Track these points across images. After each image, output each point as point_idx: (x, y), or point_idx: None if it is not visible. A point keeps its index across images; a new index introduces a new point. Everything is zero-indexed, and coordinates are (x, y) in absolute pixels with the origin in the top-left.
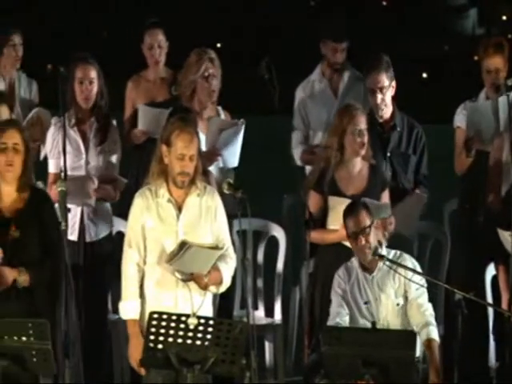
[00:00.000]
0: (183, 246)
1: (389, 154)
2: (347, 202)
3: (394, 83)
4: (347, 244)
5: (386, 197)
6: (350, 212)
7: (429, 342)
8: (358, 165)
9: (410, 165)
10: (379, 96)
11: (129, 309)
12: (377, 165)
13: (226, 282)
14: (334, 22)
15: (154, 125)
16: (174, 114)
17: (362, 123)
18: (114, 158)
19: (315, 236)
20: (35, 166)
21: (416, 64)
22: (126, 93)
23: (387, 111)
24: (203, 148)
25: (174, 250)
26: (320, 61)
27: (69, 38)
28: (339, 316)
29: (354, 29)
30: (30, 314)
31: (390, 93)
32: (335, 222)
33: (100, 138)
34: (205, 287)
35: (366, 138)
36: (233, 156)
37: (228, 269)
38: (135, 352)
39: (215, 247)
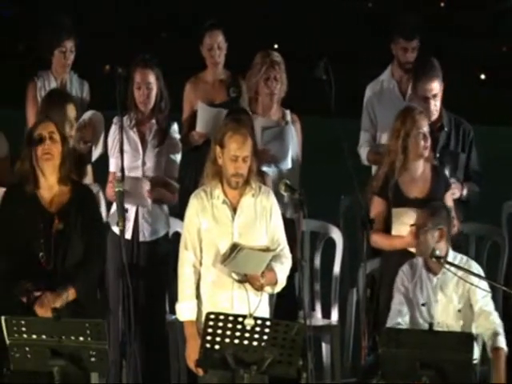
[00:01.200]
0: (234, 248)
1: (438, 155)
2: (411, 212)
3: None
4: (413, 250)
5: (449, 198)
6: (429, 208)
7: (496, 351)
8: (421, 167)
9: (460, 163)
10: (432, 102)
11: (185, 310)
12: (439, 166)
13: (281, 282)
14: (405, 20)
15: (212, 125)
16: (231, 115)
17: (425, 126)
18: (174, 160)
19: (380, 240)
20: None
21: (473, 65)
22: (185, 94)
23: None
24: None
25: (225, 252)
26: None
27: (128, 38)
28: (400, 315)
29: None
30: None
31: (440, 97)
32: (399, 232)
33: (158, 139)
34: (260, 288)
35: (429, 141)
36: (284, 157)
37: (283, 269)
38: (192, 353)
39: (266, 249)
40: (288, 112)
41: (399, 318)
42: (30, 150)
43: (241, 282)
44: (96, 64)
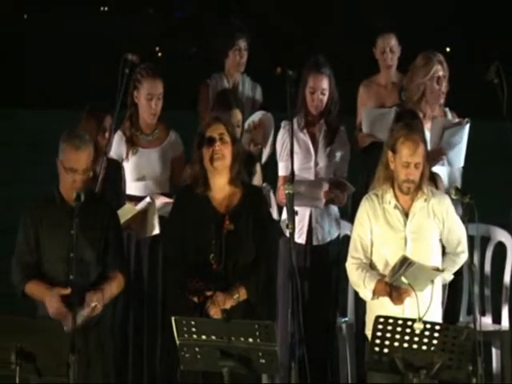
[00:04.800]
0: (404, 262)
1: None
2: None
3: None
4: None
5: None
6: None
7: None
8: None
9: None
10: None
11: (368, 286)
12: None
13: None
14: None
15: (378, 126)
16: (400, 117)
17: None
18: (343, 160)
19: None
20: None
21: None
22: (358, 97)
23: None
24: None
25: (395, 266)
26: None
27: (300, 40)
28: None
29: None
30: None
31: None
32: None
33: (329, 139)
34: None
35: None
36: (458, 156)
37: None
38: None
39: (437, 269)
40: (447, 110)
41: None
42: (200, 152)
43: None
44: (268, 67)
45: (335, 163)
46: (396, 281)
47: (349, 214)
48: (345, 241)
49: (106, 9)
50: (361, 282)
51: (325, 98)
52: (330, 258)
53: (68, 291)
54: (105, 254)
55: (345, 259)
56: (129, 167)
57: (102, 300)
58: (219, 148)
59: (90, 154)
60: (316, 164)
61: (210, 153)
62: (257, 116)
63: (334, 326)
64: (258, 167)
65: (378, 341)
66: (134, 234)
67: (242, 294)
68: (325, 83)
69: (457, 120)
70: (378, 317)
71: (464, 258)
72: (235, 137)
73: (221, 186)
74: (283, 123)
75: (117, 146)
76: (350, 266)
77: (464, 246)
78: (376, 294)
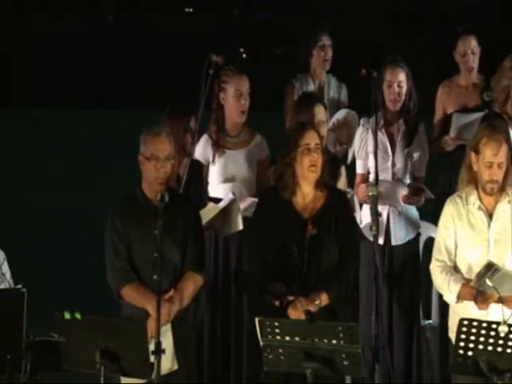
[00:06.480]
0: (490, 268)
1: None
2: None
3: None
4: None
5: None
6: None
7: None
8: None
9: None
10: None
11: (453, 289)
12: None
13: None
14: None
15: (467, 131)
16: (486, 120)
17: None
18: (421, 161)
19: None
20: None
21: None
22: (437, 98)
23: None
24: None
25: (480, 271)
26: None
27: (382, 41)
28: None
29: None
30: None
31: None
32: None
33: (407, 140)
34: None
35: None
36: None
37: None
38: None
39: None
40: None
41: None
42: (291, 157)
43: (496, 302)
44: (354, 67)
45: (413, 164)
46: (481, 286)
47: (430, 214)
48: (428, 243)
49: (190, 10)
50: (445, 286)
51: (402, 92)
52: (408, 258)
53: (171, 293)
54: (185, 254)
55: (426, 261)
56: (216, 169)
57: (179, 303)
58: (316, 159)
59: (170, 143)
60: (393, 165)
61: (307, 162)
62: (341, 114)
63: (417, 328)
64: (342, 169)
65: (462, 343)
66: (218, 231)
67: (323, 300)
68: (401, 76)
69: None
70: (462, 320)
71: None
72: (324, 147)
73: (306, 192)
74: (362, 120)
75: (203, 149)
76: (435, 268)
77: None
78: (461, 298)
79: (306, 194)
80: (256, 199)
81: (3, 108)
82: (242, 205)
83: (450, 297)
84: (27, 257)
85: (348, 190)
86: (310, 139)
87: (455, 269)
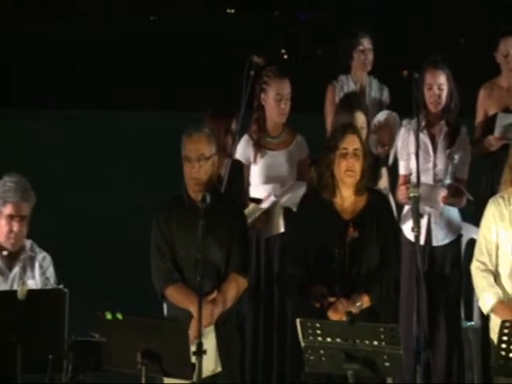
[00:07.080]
0: None
1: None
2: None
3: None
4: None
5: None
6: None
7: None
8: None
9: None
10: None
11: (488, 300)
12: None
13: None
14: None
15: (511, 131)
16: None
17: None
18: (463, 163)
19: None
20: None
21: None
22: (479, 99)
23: None
24: None
25: None
26: None
27: (423, 43)
28: None
29: None
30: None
31: None
32: None
33: (449, 141)
34: None
35: None
36: None
37: None
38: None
39: None
40: None
41: None
42: (330, 159)
43: None
44: (395, 69)
45: (455, 165)
46: None
47: (472, 215)
48: (470, 244)
49: (232, 11)
50: (482, 294)
51: (443, 94)
52: (449, 259)
53: (214, 295)
54: (229, 255)
55: (468, 262)
56: (257, 170)
57: (222, 305)
58: (352, 164)
59: (204, 144)
60: (434, 166)
61: (343, 165)
62: (382, 116)
63: (458, 330)
64: (384, 171)
65: (504, 345)
66: (260, 233)
67: (365, 302)
68: (441, 78)
69: None
70: (504, 321)
71: None
72: (367, 151)
73: (347, 195)
74: (404, 122)
75: (244, 150)
76: (475, 270)
77: None
78: (494, 312)
79: (346, 197)
80: (275, 198)
81: (3, 108)
82: (263, 204)
83: (483, 306)
84: (68, 257)
85: (382, 187)
86: (349, 144)
87: (496, 272)
